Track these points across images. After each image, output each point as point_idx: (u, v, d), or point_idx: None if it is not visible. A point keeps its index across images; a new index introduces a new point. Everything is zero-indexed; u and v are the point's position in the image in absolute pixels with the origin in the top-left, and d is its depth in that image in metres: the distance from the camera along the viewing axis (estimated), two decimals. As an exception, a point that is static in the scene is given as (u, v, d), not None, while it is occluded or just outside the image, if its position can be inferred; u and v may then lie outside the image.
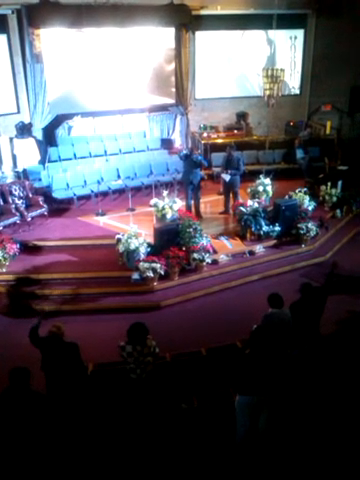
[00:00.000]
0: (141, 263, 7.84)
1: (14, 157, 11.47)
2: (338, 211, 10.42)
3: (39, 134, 11.65)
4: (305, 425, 5.04)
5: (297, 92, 14.17)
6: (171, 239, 8.23)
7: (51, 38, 11.35)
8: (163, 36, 12.41)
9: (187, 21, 12.06)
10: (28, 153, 11.35)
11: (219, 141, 12.95)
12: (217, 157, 11.69)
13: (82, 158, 11.94)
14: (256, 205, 9.20)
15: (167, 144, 13.25)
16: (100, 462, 4.70)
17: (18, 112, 11.63)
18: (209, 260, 8.32)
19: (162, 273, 7.89)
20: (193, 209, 9.85)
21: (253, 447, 4.72)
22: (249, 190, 10.09)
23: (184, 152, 9.69)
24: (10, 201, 9.52)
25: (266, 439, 4.72)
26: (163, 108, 13.16)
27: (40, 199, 9.82)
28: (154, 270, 7.78)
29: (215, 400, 5.26)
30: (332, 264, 5.95)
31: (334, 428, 5.02)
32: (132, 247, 7.88)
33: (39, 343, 4.97)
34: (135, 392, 5.03)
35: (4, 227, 9.17)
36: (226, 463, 4.67)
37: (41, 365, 4.95)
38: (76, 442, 4.82)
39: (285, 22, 12.15)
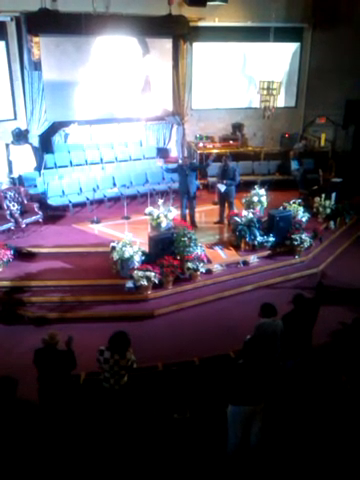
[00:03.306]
0: (135, 271, 7.83)
1: (10, 163, 11.49)
2: (332, 223, 10.50)
3: (35, 141, 11.67)
4: (297, 435, 5.03)
5: (293, 104, 14.31)
6: (166, 248, 8.24)
7: (50, 46, 11.39)
8: (161, 46, 12.50)
9: (185, 32, 12.16)
10: (24, 159, 11.36)
11: (215, 151, 13.02)
12: (213, 167, 11.72)
13: (78, 165, 11.98)
14: (251, 215, 9.24)
15: (163, 153, 13.33)
16: (90, 472, 4.66)
17: (15, 118, 11.69)
18: (203, 269, 8.35)
19: (156, 282, 7.89)
20: (188, 218, 9.89)
21: (244, 457, 4.70)
22: (244, 200, 10.13)
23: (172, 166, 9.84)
24: (5, 207, 9.50)
25: (258, 449, 4.71)
26: (160, 117, 13.24)
27: (35, 206, 9.81)
28: (148, 279, 7.78)
29: (208, 410, 5.24)
30: (319, 275, 6.00)
31: (327, 438, 5.02)
32: (126, 255, 7.88)
33: (36, 360, 4.95)
34: (108, 403, 4.98)
35: (-2, 233, 9.15)
36: (217, 473, 4.65)
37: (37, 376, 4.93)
38: (66, 451, 4.78)
39: (282, 35, 12.44)
